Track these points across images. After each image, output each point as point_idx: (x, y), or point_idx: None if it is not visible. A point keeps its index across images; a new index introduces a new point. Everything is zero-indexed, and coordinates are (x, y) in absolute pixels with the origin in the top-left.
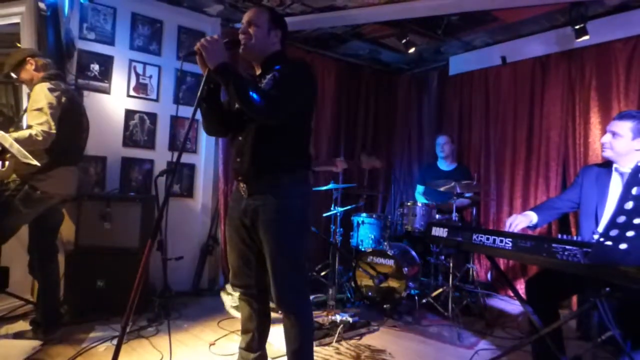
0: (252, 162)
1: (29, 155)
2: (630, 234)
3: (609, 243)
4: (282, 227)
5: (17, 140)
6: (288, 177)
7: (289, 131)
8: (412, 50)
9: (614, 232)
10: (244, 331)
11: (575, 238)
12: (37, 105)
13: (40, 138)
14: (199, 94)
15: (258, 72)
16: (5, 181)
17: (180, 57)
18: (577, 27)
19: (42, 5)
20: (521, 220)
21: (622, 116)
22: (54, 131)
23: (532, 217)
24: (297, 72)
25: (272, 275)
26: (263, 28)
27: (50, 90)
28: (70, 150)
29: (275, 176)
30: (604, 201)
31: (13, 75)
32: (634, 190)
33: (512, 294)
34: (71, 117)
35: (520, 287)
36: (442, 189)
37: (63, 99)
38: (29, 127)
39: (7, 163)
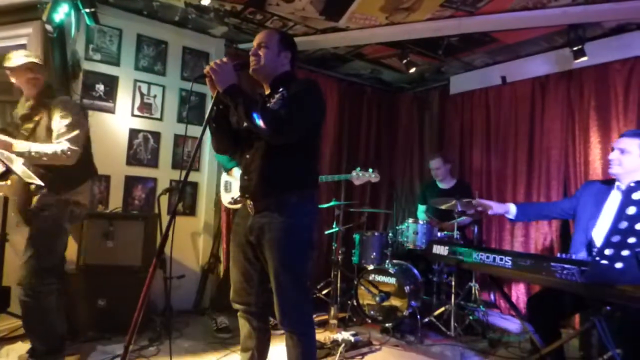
0: (259, 180)
1: (33, 176)
2: (625, 253)
3: (604, 262)
4: (287, 246)
5: (41, 154)
6: (295, 195)
7: (297, 150)
8: (413, 70)
9: (609, 251)
10: (244, 349)
11: (572, 256)
12: (67, 120)
13: (69, 154)
14: (207, 114)
15: (267, 91)
16: (42, 204)
17: (186, 77)
18: (575, 48)
19: (48, 27)
20: (495, 207)
21: (630, 134)
22: (80, 149)
23: (510, 209)
24: (306, 91)
25: (276, 294)
26: (273, 50)
27: (76, 105)
28: (91, 163)
29: (283, 194)
30: (596, 216)
31: (9, 72)
32: (629, 210)
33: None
34: (87, 132)
35: (523, 305)
36: (443, 207)
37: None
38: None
39: (8, 182)
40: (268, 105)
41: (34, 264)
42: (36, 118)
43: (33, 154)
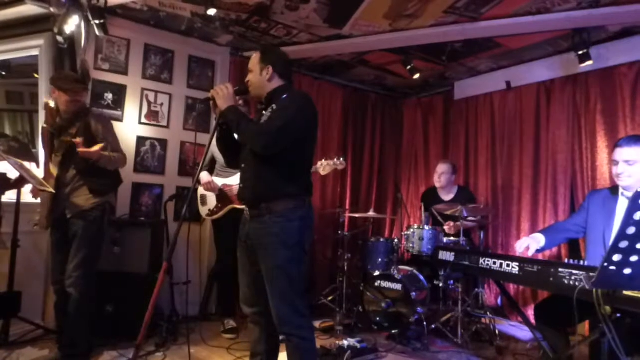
0: (252, 188)
1: (45, 183)
2: (634, 259)
3: (612, 268)
4: (276, 251)
5: (113, 159)
6: (285, 202)
7: (287, 159)
8: (417, 76)
9: (617, 257)
10: (253, 354)
11: (582, 263)
12: (112, 131)
13: (125, 160)
14: (211, 133)
15: (265, 108)
16: (89, 207)
17: (192, 85)
18: (580, 52)
19: (59, 38)
20: (531, 243)
21: (628, 143)
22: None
23: (540, 240)
24: (292, 104)
25: (270, 298)
26: (255, 71)
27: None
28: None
29: (274, 201)
30: (610, 226)
31: (64, 91)
32: (636, 216)
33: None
34: None
35: (531, 312)
36: (448, 212)
37: None
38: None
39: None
40: (259, 121)
41: (86, 266)
42: (72, 130)
43: (112, 158)
